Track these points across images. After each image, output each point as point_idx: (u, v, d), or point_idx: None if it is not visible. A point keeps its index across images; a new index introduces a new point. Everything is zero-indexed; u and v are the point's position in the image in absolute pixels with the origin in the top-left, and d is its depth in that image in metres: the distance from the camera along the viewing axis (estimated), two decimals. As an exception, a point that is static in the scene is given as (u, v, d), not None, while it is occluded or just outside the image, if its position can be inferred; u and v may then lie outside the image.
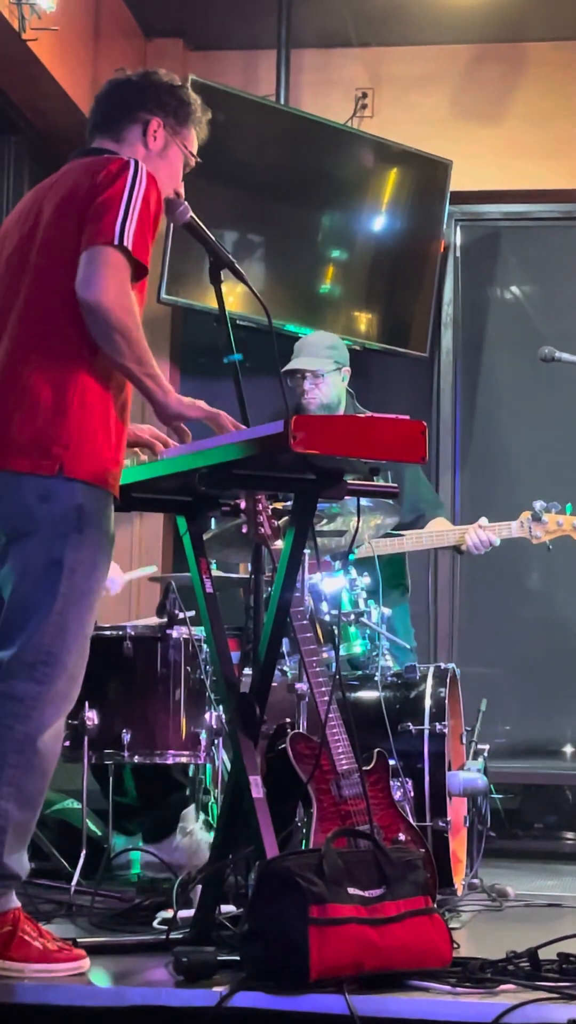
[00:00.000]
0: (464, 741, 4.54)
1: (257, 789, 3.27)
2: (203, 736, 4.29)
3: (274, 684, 3.57)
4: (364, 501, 4.13)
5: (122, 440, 3.28)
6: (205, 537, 3.66)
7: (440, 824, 4.15)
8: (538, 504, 5.02)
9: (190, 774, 4.59)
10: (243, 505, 3.54)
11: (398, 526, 4.86)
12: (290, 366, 5.13)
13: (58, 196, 3.23)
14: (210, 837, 4.27)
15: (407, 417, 3.12)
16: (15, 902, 3.12)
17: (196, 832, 4.39)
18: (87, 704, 4.15)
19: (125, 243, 3.08)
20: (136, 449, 3.53)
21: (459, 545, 5.04)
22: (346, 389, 5.21)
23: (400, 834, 3.78)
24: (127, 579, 5.06)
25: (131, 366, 3.12)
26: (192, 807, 4.48)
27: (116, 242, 3.08)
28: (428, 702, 4.28)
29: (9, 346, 3.20)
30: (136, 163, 3.21)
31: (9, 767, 3.08)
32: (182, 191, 3.47)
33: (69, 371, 3.16)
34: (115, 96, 3.44)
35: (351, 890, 3.03)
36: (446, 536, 5.07)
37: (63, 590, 3.13)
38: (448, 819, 4.17)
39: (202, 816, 4.45)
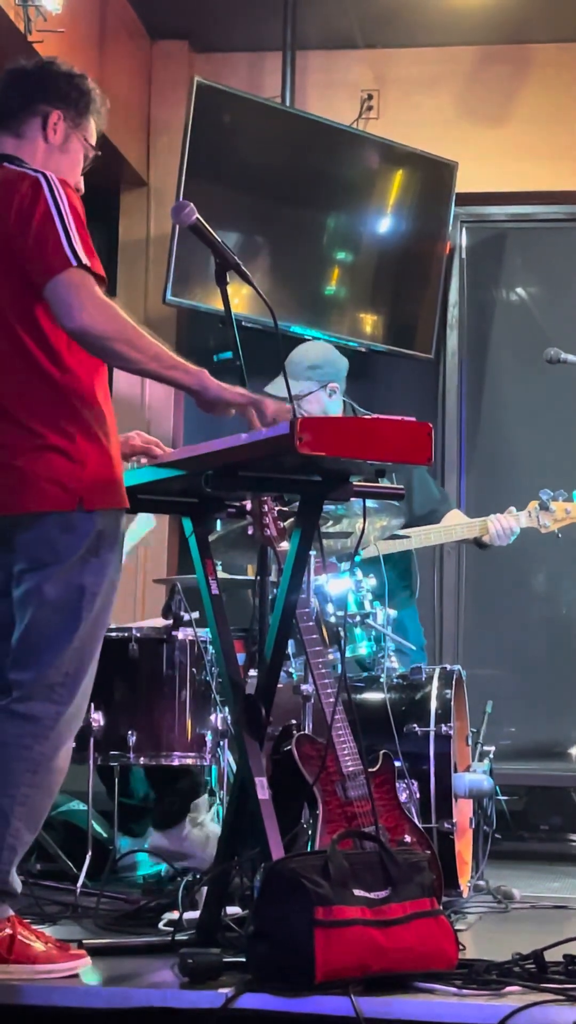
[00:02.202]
0: (470, 743, 4.53)
1: (263, 790, 3.27)
2: (208, 737, 4.29)
3: (280, 685, 3.57)
4: (370, 503, 4.13)
5: (119, 446, 3.28)
6: (211, 539, 3.66)
7: (446, 826, 4.15)
8: (545, 493, 5.00)
9: (199, 773, 4.59)
10: (249, 507, 3.54)
11: (412, 522, 4.84)
12: (267, 389, 5.05)
13: None
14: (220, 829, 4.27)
15: (413, 419, 3.12)
16: (9, 911, 3.14)
17: (207, 823, 4.38)
18: (93, 705, 4.15)
19: (81, 261, 3.06)
20: (132, 458, 3.53)
21: (481, 537, 5.02)
22: (342, 401, 5.17)
23: (406, 836, 3.78)
24: (128, 550, 5.01)
25: (151, 367, 3.10)
26: (204, 797, 4.47)
27: (73, 264, 3.05)
28: (434, 704, 4.28)
29: None
30: (45, 177, 3.15)
31: (24, 787, 3.10)
32: (82, 186, 3.40)
33: (57, 404, 3.15)
34: (13, 88, 3.35)
35: (357, 892, 3.03)
36: (469, 528, 5.04)
37: (84, 615, 3.16)
38: (454, 821, 4.16)
39: (213, 807, 4.44)
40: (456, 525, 5.09)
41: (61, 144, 3.33)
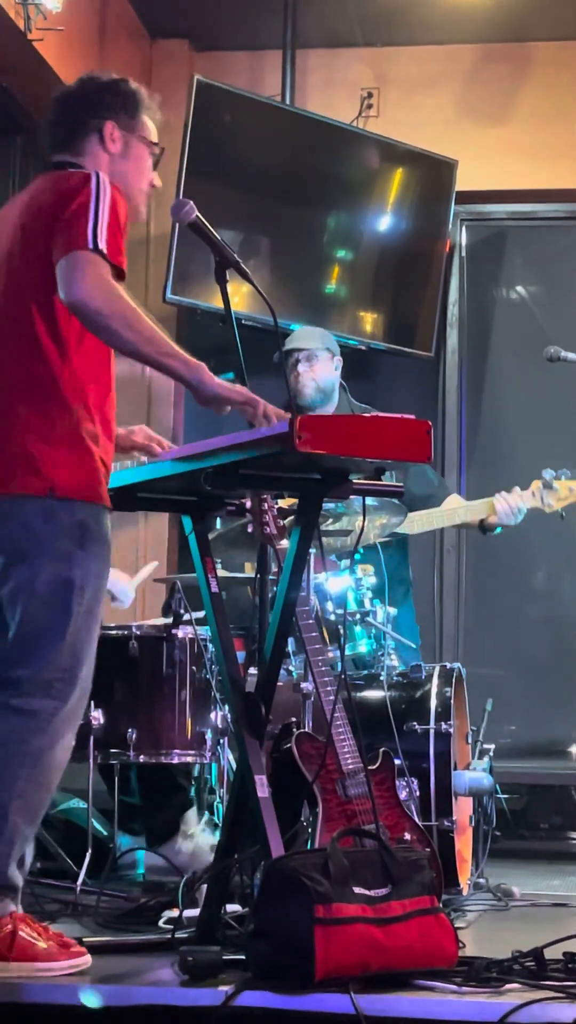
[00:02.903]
0: (469, 741, 4.53)
1: (262, 788, 3.27)
2: (208, 735, 4.29)
3: (279, 683, 3.57)
4: (369, 500, 4.13)
5: (110, 448, 3.28)
6: (210, 537, 3.66)
7: (445, 824, 4.15)
8: (548, 472, 5.00)
9: (194, 774, 4.60)
10: (248, 505, 3.54)
11: (410, 505, 4.84)
12: (284, 349, 5.19)
13: (23, 218, 3.22)
14: (212, 839, 4.28)
15: (412, 417, 3.12)
16: (12, 907, 3.13)
17: (197, 835, 4.39)
18: (93, 703, 4.15)
19: (100, 246, 3.07)
20: (134, 452, 3.52)
21: (487, 518, 5.01)
22: (339, 381, 5.26)
23: (406, 834, 3.78)
24: (136, 584, 5.04)
25: (145, 350, 3.08)
26: (193, 809, 4.48)
27: (90, 246, 3.07)
28: (434, 702, 4.28)
29: None
30: (97, 174, 3.18)
31: (21, 780, 3.10)
32: (158, 181, 3.45)
33: (49, 391, 3.16)
34: (64, 114, 3.40)
35: (357, 890, 3.03)
36: (475, 508, 5.03)
37: (75, 608, 3.15)
38: (453, 819, 4.17)
39: (204, 818, 4.44)
40: (459, 507, 5.09)
41: (122, 151, 3.38)
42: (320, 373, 5.19)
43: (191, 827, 4.45)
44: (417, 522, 4.99)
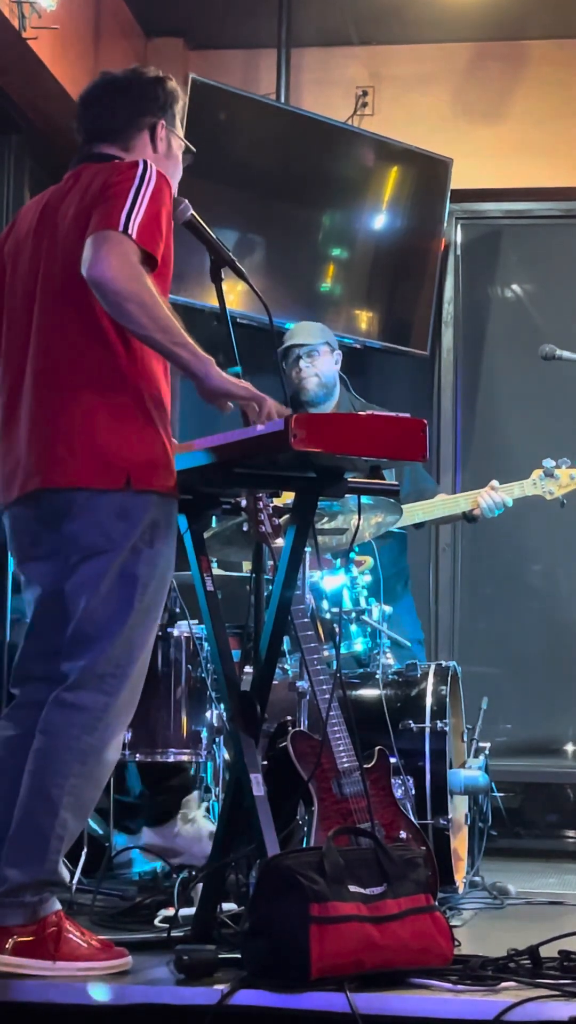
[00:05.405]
0: (465, 739, 4.54)
1: (258, 787, 3.27)
2: (204, 734, 4.29)
3: (275, 682, 3.57)
4: (365, 499, 4.13)
5: (172, 440, 3.27)
6: (206, 535, 3.66)
7: (441, 822, 4.15)
8: (548, 461, 5.02)
9: (191, 772, 4.59)
10: (244, 503, 3.54)
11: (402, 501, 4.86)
12: (284, 346, 5.23)
13: (73, 208, 3.21)
14: (212, 825, 4.27)
15: (408, 415, 3.12)
16: (58, 904, 3.14)
17: (198, 819, 4.38)
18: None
19: (130, 231, 3.06)
20: None
21: (471, 510, 5.04)
22: (339, 375, 5.28)
23: (401, 832, 3.79)
24: None
25: (157, 337, 3.08)
26: (195, 794, 4.47)
27: (121, 229, 3.06)
28: (429, 700, 4.28)
29: (45, 365, 3.19)
30: (146, 162, 3.19)
31: (73, 777, 3.10)
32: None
33: (114, 382, 3.15)
34: (112, 101, 3.39)
35: (352, 888, 3.03)
36: (459, 502, 5.08)
37: (136, 604, 3.15)
38: (449, 817, 4.17)
39: (204, 804, 4.44)
40: (448, 499, 5.13)
41: (166, 152, 3.40)
42: (322, 367, 5.24)
43: (192, 811, 4.44)
44: (419, 513, 5.03)
